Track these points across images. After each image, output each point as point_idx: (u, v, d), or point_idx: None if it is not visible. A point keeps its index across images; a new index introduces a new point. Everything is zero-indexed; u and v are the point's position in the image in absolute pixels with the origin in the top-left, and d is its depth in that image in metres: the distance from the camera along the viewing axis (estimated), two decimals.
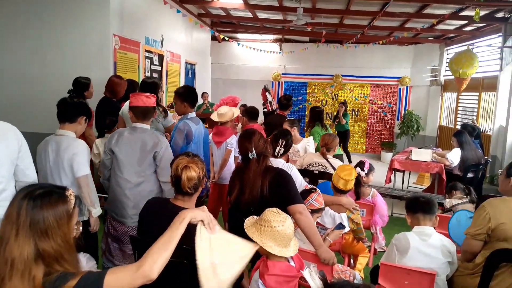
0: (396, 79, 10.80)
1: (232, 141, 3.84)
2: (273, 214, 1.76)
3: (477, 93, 8.12)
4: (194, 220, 1.45)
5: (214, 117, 3.92)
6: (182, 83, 8.15)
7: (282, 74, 11.29)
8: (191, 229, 1.44)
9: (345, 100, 10.90)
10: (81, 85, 4.12)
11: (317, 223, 2.64)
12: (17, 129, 2.20)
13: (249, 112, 4.37)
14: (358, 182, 3.46)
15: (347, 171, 2.93)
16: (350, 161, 8.38)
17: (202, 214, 1.46)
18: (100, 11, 5.01)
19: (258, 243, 1.68)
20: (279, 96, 9.73)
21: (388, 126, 11.06)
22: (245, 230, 1.77)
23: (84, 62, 5.06)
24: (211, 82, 10.58)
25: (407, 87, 10.77)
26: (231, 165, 3.86)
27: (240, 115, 4.50)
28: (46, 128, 5.09)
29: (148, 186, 2.66)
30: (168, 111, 3.72)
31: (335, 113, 10.49)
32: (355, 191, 3.49)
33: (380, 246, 3.75)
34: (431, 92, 10.46)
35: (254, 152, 2.31)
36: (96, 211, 2.59)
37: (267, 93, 6.79)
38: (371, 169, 3.60)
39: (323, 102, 11.23)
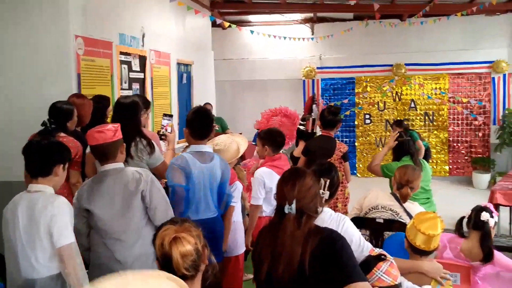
0: (487, 65, 10.70)
1: (235, 192, 3.81)
2: None
3: None
4: None
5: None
6: (174, 94, 8.27)
7: (317, 68, 11.34)
8: None
9: (410, 104, 10.81)
10: (63, 114, 4.18)
11: None
12: None
13: (272, 137, 4.31)
14: (488, 235, 3.36)
15: (429, 221, 2.87)
16: None
17: None
18: (55, 6, 5.16)
19: None
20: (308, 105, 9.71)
21: (480, 135, 10.92)
22: None
23: (36, 76, 5.16)
24: (215, 86, 10.70)
25: (504, 75, 10.63)
26: (238, 227, 3.89)
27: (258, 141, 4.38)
28: None
29: (146, 245, 2.85)
30: (156, 145, 3.76)
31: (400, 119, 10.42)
32: (485, 252, 3.34)
33: None
34: None
35: (294, 205, 2.28)
36: None
37: (313, 106, 6.77)
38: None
39: (381, 104, 11.18)
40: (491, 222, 3.43)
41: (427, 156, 8.73)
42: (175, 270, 1.87)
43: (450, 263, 3.43)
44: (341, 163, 4.78)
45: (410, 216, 3.46)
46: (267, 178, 4.01)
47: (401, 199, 3.61)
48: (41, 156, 2.69)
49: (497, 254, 3.49)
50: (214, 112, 9.77)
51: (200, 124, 3.52)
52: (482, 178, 10.31)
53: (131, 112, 3.68)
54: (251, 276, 3.36)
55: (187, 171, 3.36)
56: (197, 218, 3.35)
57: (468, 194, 9.76)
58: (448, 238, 3.59)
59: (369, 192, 3.77)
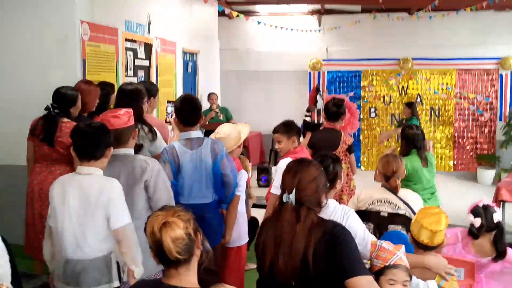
0: (494, 61, 10.63)
1: (241, 181, 3.76)
2: None
3: None
4: None
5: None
6: (179, 83, 8.25)
7: (324, 60, 11.28)
8: None
9: (416, 99, 10.78)
10: (67, 100, 4.21)
11: None
12: None
13: (281, 127, 4.29)
14: (502, 234, 3.36)
15: (433, 216, 2.83)
16: None
17: None
18: None
19: None
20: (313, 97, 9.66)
21: (486, 131, 10.89)
22: None
23: (40, 61, 5.17)
24: (220, 76, 10.66)
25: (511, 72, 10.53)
26: (241, 217, 3.85)
27: (276, 134, 4.26)
28: None
29: None
30: (158, 132, 3.74)
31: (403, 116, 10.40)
32: (500, 250, 3.32)
33: None
34: None
35: (293, 194, 2.26)
36: (139, 270, 2.76)
37: (318, 96, 6.74)
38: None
39: (386, 98, 11.13)
40: (498, 217, 3.40)
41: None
42: (167, 257, 1.88)
43: (455, 258, 3.40)
44: (346, 155, 4.74)
45: (407, 205, 3.46)
46: None
47: (393, 190, 3.60)
48: (96, 140, 2.74)
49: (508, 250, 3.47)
50: (219, 102, 9.73)
51: (187, 111, 3.51)
52: (487, 174, 10.27)
53: (133, 99, 3.67)
54: (253, 266, 3.35)
55: (176, 161, 3.41)
56: (189, 202, 3.39)
57: (473, 189, 9.73)
58: (462, 233, 3.56)
59: (360, 192, 3.76)
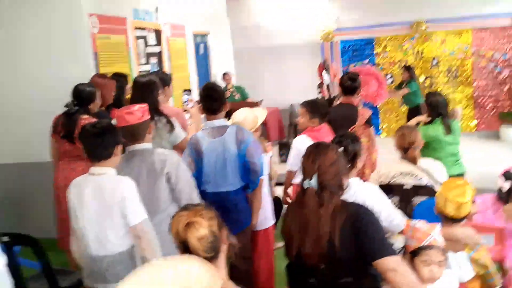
0: (510, 16, 10.35)
1: (263, 165, 3.71)
2: None
3: None
4: None
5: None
6: (192, 66, 8.23)
7: (335, 30, 11.13)
8: None
9: (432, 62, 10.62)
10: (85, 96, 4.25)
11: None
12: None
13: (310, 104, 4.27)
14: None
15: (458, 188, 2.80)
16: None
17: None
18: None
19: None
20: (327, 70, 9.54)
21: (506, 88, 10.69)
22: None
23: (52, 58, 5.21)
24: (233, 55, 10.60)
25: None
26: (265, 200, 3.84)
27: (301, 108, 4.34)
28: (9, 158, 5.31)
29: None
30: (176, 122, 3.74)
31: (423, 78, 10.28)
32: None
33: None
34: None
35: (315, 179, 2.27)
36: None
37: (324, 71, 6.63)
38: None
39: (402, 64, 10.95)
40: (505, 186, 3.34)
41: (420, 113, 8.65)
42: (194, 255, 1.90)
43: (484, 225, 3.37)
44: (365, 129, 4.69)
45: (429, 174, 3.45)
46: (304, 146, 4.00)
47: (412, 161, 3.58)
48: (101, 141, 2.76)
49: None
50: (233, 81, 9.70)
51: (208, 100, 3.49)
52: (510, 132, 10.12)
53: (147, 91, 3.68)
54: (281, 244, 3.36)
55: (198, 152, 3.42)
56: (215, 190, 3.44)
57: (496, 148, 9.60)
58: (492, 199, 3.52)
59: (381, 166, 3.74)
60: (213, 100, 3.48)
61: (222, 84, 9.34)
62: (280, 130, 10.76)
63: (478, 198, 3.51)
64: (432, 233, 2.45)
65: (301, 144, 3.94)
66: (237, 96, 9.37)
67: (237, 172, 3.47)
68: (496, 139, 10.31)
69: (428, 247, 2.43)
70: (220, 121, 3.49)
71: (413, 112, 8.81)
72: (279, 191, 4.86)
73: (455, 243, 2.78)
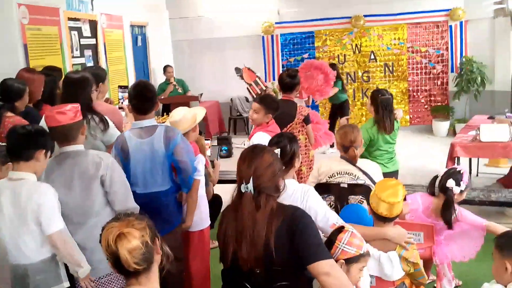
0: (444, 13, 10.68)
1: (199, 165, 3.70)
2: None
3: None
4: None
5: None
6: (129, 58, 8.03)
7: (276, 23, 11.17)
8: None
9: (370, 56, 10.84)
10: (13, 93, 4.01)
11: None
12: None
13: (266, 100, 4.25)
14: (449, 204, 3.41)
15: (390, 189, 2.85)
16: None
17: None
18: None
19: None
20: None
21: (439, 83, 11.01)
22: None
23: None
24: (172, 47, 10.42)
25: (461, 23, 10.65)
26: (202, 201, 3.82)
27: (256, 104, 4.27)
28: None
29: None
30: (109, 121, 3.62)
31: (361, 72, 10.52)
32: (445, 219, 3.42)
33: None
34: (497, 28, 10.34)
35: (251, 184, 2.26)
36: (84, 269, 2.78)
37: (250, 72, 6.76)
38: (468, 185, 3.53)
39: (341, 58, 11.15)
40: (456, 190, 3.46)
41: (344, 110, 8.91)
42: (126, 268, 1.85)
43: (414, 223, 3.49)
44: (303, 126, 4.73)
45: (366, 174, 3.49)
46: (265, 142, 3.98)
47: (351, 159, 3.60)
48: (24, 140, 2.72)
49: (463, 211, 3.56)
50: (175, 74, 9.54)
51: (140, 99, 3.40)
52: (442, 126, 10.46)
53: (80, 89, 3.52)
54: (217, 243, 3.35)
55: (124, 153, 3.36)
56: (145, 191, 3.37)
57: (429, 142, 9.96)
58: (422, 198, 3.65)
59: (320, 164, 3.74)
60: (146, 99, 3.40)
61: (162, 77, 9.18)
62: (220, 124, 10.74)
63: (408, 197, 3.63)
64: (365, 248, 2.47)
65: (263, 141, 3.89)
66: (180, 90, 9.22)
67: (166, 173, 3.42)
68: (429, 133, 10.67)
69: (367, 254, 2.47)
70: (149, 121, 3.41)
71: (337, 109, 9.11)
72: (219, 188, 4.78)
73: (386, 242, 2.85)
